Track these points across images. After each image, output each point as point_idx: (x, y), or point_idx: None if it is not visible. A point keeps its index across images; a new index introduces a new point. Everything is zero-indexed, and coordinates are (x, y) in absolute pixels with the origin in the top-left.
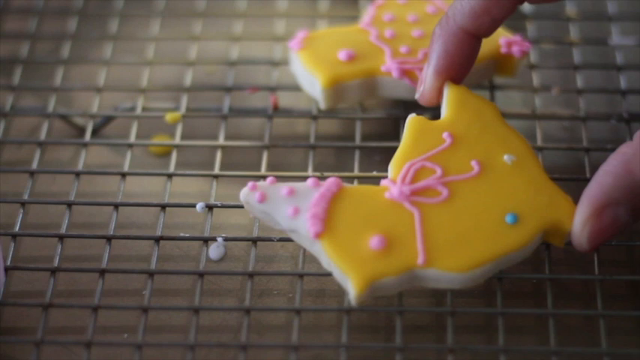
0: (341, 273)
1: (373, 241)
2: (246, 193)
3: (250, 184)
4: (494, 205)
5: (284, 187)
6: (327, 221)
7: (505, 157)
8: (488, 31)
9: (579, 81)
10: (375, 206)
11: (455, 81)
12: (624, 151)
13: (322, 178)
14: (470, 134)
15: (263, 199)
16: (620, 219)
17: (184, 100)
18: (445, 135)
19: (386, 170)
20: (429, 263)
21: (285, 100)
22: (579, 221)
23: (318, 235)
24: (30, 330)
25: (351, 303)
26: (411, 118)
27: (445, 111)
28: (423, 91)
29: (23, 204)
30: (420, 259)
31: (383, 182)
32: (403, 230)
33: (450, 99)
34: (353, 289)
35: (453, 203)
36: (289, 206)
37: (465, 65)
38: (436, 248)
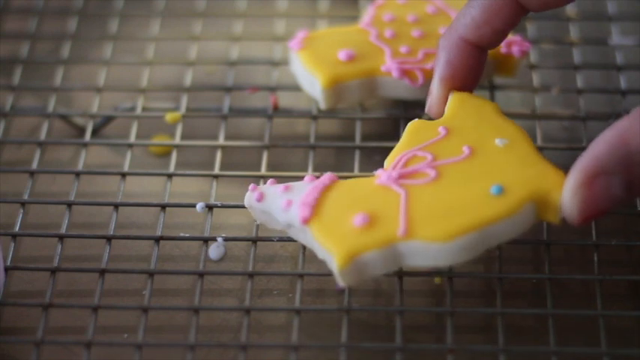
0: (327, 254)
1: (356, 219)
2: (248, 196)
3: (251, 185)
4: (480, 180)
5: (281, 185)
6: (317, 208)
7: (497, 140)
8: (491, 42)
9: (579, 81)
10: (364, 191)
11: (462, 91)
12: (621, 123)
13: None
14: (465, 125)
15: (261, 198)
16: (613, 190)
17: (184, 100)
18: (440, 128)
19: None
20: (410, 234)
21: (285, 100)
22: (569, 188)
23: (306, 221)
24: (30, 330)
25: (338, 284)
26: (412, 122)
27: (446, 112)
28: (430, 103)
29: (23, 204)
30: (400, 230)
31: (376, 172)
32: (388, 209)
33: (451, 102)
34: (335, 265)
35: (439, 182)
36: (283, 200)
37: (469, 75)
38: (418, 221)
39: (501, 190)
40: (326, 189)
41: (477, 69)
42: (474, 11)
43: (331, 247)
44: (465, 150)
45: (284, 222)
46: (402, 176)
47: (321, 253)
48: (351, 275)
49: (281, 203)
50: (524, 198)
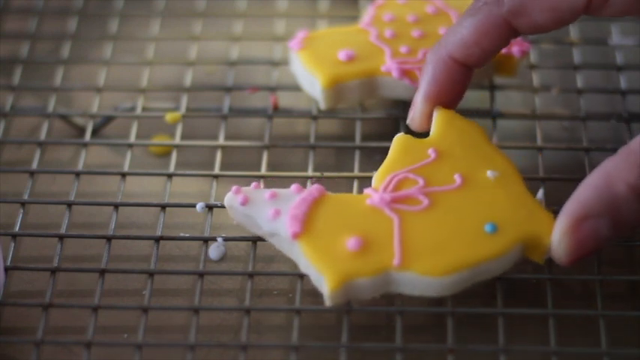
0: (317, 272)
1: (350, 242)
2: (230, 197)
3: (234, 187)
4: (474, 215)
5: (267, 191)
6: (306, 223)
7: (488, 172)
8: (479, 62)
9: (579, 81)
10: (355, 211)
11: (445, 107)
12: (607, 164)
13: (320, 179)
14: (454, 151)
15: (245, 202)
16: (601, 232)
17: (184, 100)
18: (430, 151)
19: None
20: (405, 265)
21: (285, 100)
22: (558, 232)
23: (296, 236)
24: (30, 330)
25: (326, 303)
26: (398, 137)
27: (432, 131)
28: (413, 117)
29: (23, 204)
30: (396, 260)
31: (366, 190)
32: (381, 234)
33: (437, 120)
34: (327, 287)
35: (433, 212)
36: (270, 208)
37: (454, 93)
38: (413, 252)
39: (495, 229)
40: (315, 202)
41: (461, 87)
42: (465, 31)
43: (323, 268)
44: (457, 179)
45: (269, 230)
46: (394, 200)
47: (306, 268)
48: (339, 298)
49: (268, 212)
50: (516, 239)
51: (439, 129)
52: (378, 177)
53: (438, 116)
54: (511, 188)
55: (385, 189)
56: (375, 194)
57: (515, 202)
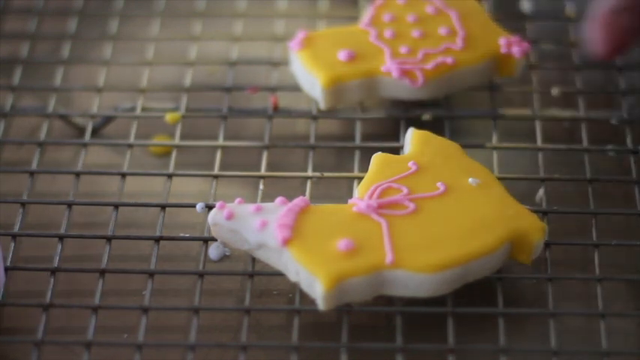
0: (309, 275)
1: (341, 244)
2: (215, 213)
3: (219, 203)
4: (461, 216)
5: (251, 205)
6: (295, 230)
7: (470, 179)
8: None
9: (579, 81)
10: (343, 217)
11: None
12: None
13: (320, 178)
14: (434, 163)
15: (231, 217)
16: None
17: (184, 100)
18: (410, 163)
19: None
20: (398, 263)
21: (285, 100)
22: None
23: (287, 241)
24: (30, 330)
25: (319, 307)
26: (376, 155)
27: (409, 150)
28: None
29: (23, 204)
30: (388, 258)
31: (350, 200)
32: (371, 236)
33: (413, 139)
34: (321, 288)
35: (420, 215)
36: (257, 220)
37: None
38: (404, 251)
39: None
40: (301, 212)
41: None
42: None
43: (316, 269)
44: (440, 186)
45: (256, 242)
46: (381, 206)
47: (296, 275)
48: (333, 299)
49: (255, 223)
50: (504, 235)
51: (416, 146)
52: (361, 189)
53: (414, 136)
54: (495, 192)
55: (370, 197)
56: (360, 202)
57: (500, 203)
